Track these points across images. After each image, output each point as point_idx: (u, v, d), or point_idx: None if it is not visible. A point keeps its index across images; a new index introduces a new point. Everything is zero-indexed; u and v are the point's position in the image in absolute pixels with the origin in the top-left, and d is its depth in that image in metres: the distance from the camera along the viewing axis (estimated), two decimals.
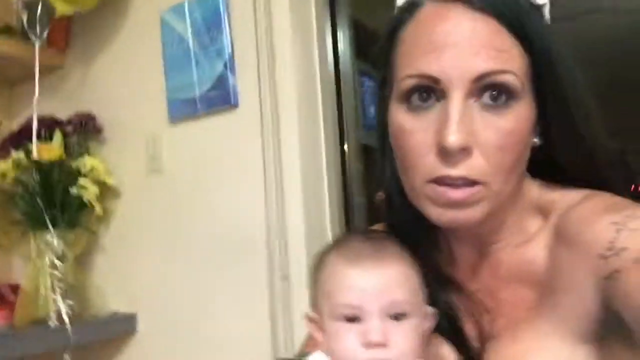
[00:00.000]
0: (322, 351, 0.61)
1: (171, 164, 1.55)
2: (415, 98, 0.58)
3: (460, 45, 0.55)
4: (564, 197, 0.63)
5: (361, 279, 0.58)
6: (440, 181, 0.56)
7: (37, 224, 1.48)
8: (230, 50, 1.43)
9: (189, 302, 1.47)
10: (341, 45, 1.55)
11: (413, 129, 0.58)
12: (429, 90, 0.57)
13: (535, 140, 0.61)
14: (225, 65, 1.43)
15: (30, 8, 1.54)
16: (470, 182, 0.56)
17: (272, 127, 1.35)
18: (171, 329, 1.50)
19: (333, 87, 1.50)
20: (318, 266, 0.63)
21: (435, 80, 0.56)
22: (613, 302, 0.52)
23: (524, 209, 0.65)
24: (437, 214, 0.58)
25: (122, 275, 1.61)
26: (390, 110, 0.61)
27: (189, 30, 1.49)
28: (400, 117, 0.59)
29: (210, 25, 1.46)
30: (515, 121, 0.56)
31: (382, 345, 0.56)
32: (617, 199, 0.60)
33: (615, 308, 0.52)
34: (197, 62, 1.47)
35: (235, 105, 1.42)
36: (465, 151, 0.55)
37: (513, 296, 0.63)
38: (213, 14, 1.45)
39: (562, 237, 0.59)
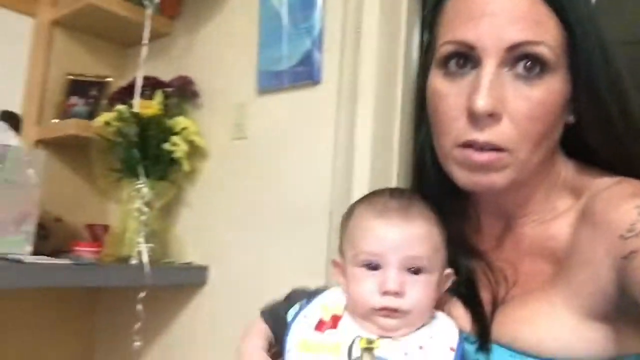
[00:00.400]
0: (342, 290, 0.65)
1: (255, 132, 1.64)
2: (452, 64, 0.61)
3: (498, 15, 0.57)
4: (597, 181, 0.64)
5: (385, 230, 0.61)
6: (467, 145, 0.59)
7: (131, 172, 1.63)
8: (319, 29, 1.49)
9: (255, 261, 1.57)
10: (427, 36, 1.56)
11: (448, 93, 0.61)
12: (466, 57, 0.60)
13: (570, 118, 0.63)
14: (313, 43, 1.49)
15: None
16: (497, 148, 0.58)
17: (349, 106, 1.40)
18: (238, 284, 1.61)
19: (414, 75, 1.51)
20: (347, 216, 0.67)
21: (471, 47, 0.58)
22: (628, 282, 0.53)
23: (555, 187, 0.66)
24: (463, 177, 0.61)
25: (200, 229, 1.74)
26: (429, 75, 0.65)
27: (285, 6, 1.57)
28: (438, 81, 0.62)
29: (305, 3, 1.53)
30: (547, 93, 0.58)
31: (397, 294, 0.59)
32: None
33: (629, 289, 0.53)
34: (288, 38, 1.55)
35: (317, 82, 1.49)
36: (493, 117, 0.57)
37: (531, 269, 0.65)
38: None
39: (587, 217, 0.60)
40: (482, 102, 0.56)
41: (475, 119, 0.57)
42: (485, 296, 0.68)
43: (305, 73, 1.51)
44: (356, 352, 0.58)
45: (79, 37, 1.97)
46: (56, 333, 1.88)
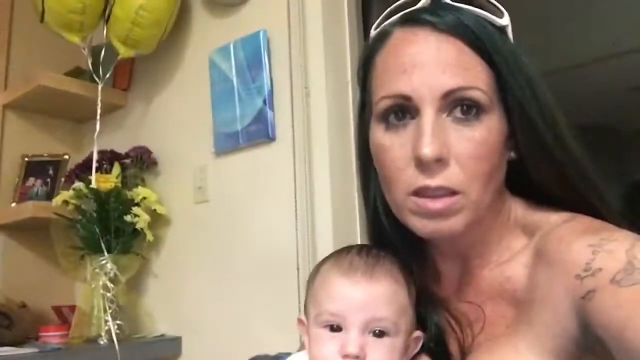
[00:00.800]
0: (306, 353, 0.64)
1: (216, 194, 1.64)
2: (392, 118, 0.62)
3: (428, 65, 0.59)
4: (547, 218, 0.64)
5: (349, 289, 0.60)
6: (420, 193, 0.59)
7: (93, 248, 1.60)
8: (269, 88, 1.51)
9: (229, 325, 1.54)
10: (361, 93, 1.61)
11: (392, 145, 0.61)
12: (404, 109, 0.61)
13: (512, 154, 0.64)
14: (264, 102, 1.51)
15: (96, 52, 1.71)
16: (450, 193, 0.58)
17: (305, 159, 1.42)
18: (213, 351, 1.57)
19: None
20: (313, 274, 0.66)
21: (408, 98, 0.60)
22: (589, 321, 0.53)
23: (507, 227, 0.67)
24: (420, 226, 0.61)
25: (169, 299, 1.70)
26: (370, 131, 0.65)
27: (234, 69, 1.59)
28: (380, 135, 0.63)
29: (252, 64, 1.55)
30: (487, 132, 0.59)
31: (357, 358, 0.58)
32: (597, 222, 0.61)
33: (592, 328, 0.52)
34: (239, 99, 1.57)
35: (272, 139, 1.50)
36: (441, 162, 0.58)
37: (493, 313, 0.64)
38: (255, 54, 1.55)
39: (541, 256, 0.61)
40: (428, 149, 0.57)
41: (423, 166, 0.58)
42: (454, 346, 0.67)
43: (259, 131, 1.52)
44: None
45: (31, 118, 1.96)
46: None
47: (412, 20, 0.62)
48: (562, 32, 2.85)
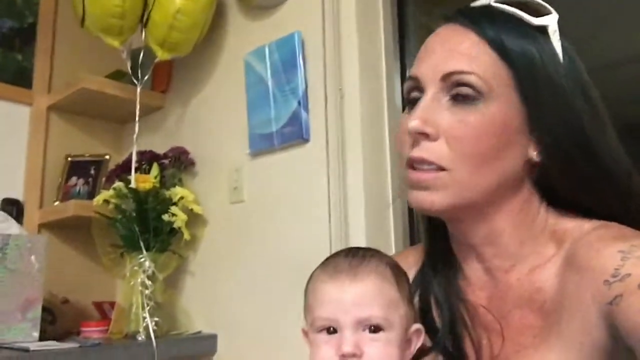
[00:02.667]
0: None
1: (251, 194, 1.66)
2: (413, 97, 0.67)
3: (437, 51, 0.65)
4: (578, 227, 0.64)
5: (336, 292, 0.62)
6: (410, 165, 0.63)
7: (132, 246, 1.64)
8: (304, 89, 1.53)
9: (263, 323, 1.56)
10: None
11: (403, 120, 0.67)
12: (418, 90, 0.66)
13: (533, 154, 0.64)
14: (299, 103, 1.52)
15: (135, 55, 1.75)
16: (436, 168, 0.62)
17: (339, 159, 1.42)
18: (248, 350, 1.59)
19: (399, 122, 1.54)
20: (308, 281, 0.68)
21: (416, 80, 0.65)
22: (616, 327, 0.52)
23: (536, 233, 0.66)
24: (409, 197, 0.65)
25: (206, 297, 1.73)
26: None
27: (268, 71, 1.61)
28: (403, 115, 0.69)
29: (287, 66, 1.57)
30: (482, 117, 0.61)
31: (354, 355, 0.59)
32: (628, 230, 0.61)
33: (619, 334, 0.52)
34: (274, 100, 1.59)
35: (307, 140, 1.51)
36: (427, 137, 0.62)
37: (521, 321, 0.64)
38: (289, 55, 1.56)
39: (571, 264, 0.60)
40: (414, 122, 0.62)
41: (413, 139, 0.62)
42: (471, 351, 0.67)
43: (294, 133, 1.53)
44: None
45: (74, 120, 2.03)
46: None
47: (448, 18, 0.68)
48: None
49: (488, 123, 0.61)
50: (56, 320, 1.66)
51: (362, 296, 0.62)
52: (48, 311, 1.63)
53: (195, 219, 1.74)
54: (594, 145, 0.63)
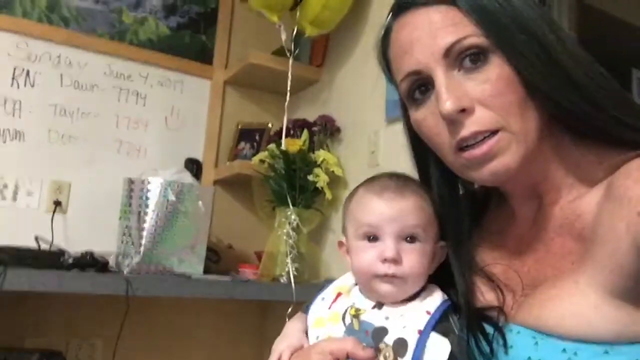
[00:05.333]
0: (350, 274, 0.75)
1: (386, 159, 1.77)
2: (417, 94, 0.68)
3: (421, 37, 0.65)
4: (622, 155, 0.63)
5: (383, 205, 0.69)
6: (463, 147, 0.64)
7: (281, 201, 1.86)
8: None
9: None
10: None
11: (425, 117, 0.68)
12: (422, 83, 0.67)
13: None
14: None
15: (290, 32, 1.96)
16: (490, 134, 0.62)
17: None
18: None
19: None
20: (350, 197, 0.76)
21: (417, 72, 0.66)
22: None
23: (580, 168, 0.68)
24: (478, 176, 0.66)
25: None
26: (410, 118, 0.72)
27: None
28: (415, 114, 0.70)
29: None
30: (499, 69, 0.62)
31: (395, 261, 0.67)
32: None
33: None
34: None
35: None
36: (465, 112, 0.62)
37: (562, 249, 0.67)
38: None
39: (609, 192, 0.61)
40: (447, 103, 0.62)
41: (451, 122, 0.63)
42: (516, 277, 0.71)
43: None
44: (348, 319, 0.68)
45: (245, 92, 2.33)
46: (233, 338, 2.18)
47: (403, 7, 0.69)
48: None
49: (506, 72, 0.62)
50: (220, 260, 1.96)
51: (407, 209, 0.68)
52: (214, 252, 1.94)
53: (337, 181, 1.90)
54: (573, 67, 0.63)
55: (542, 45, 0.63)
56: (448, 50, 0.64)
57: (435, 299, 0.69)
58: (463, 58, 0.64)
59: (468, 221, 0.76)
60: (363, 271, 0.69)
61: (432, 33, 0.64)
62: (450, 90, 0.63)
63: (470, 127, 0.62)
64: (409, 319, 0.65)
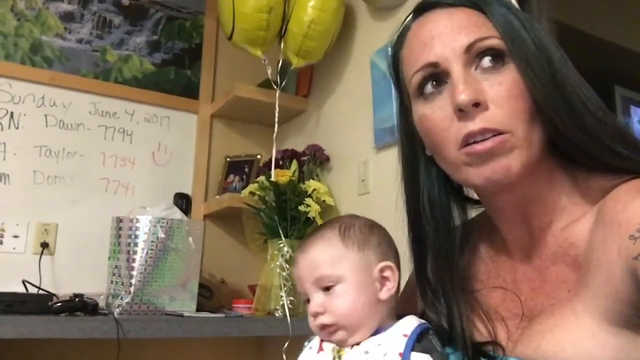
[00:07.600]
0: None
1: (376, 186, 1.76)
2: (428, 87, 0.67)
3: (445, 32, 0.65)
4: (611, 181, 0.63)
5: (297, 261, 0.76)
6: (468, 142, 0.62)
7: (273, 233, 1.84)
8: None
9: None
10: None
11: (433, 111, 0.66)
12: (436, 77, 0.66)
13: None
14: None
15: (275, 64, 1.96)
16: (497, 133, 0.61)
17: None
18: None
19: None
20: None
21: (435, 65, 0.65)
22: None
23: (571, 190, 0.67)
24: (477, 174, 0.63)
25: None
26: (412, 114, 0.70)
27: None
28: (420, 109, 0.68)
29: None
30: (514, 73, 0.63)
31: (319, 314, 0.71)
32: None
33: None
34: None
35: None
36: (479, 106, 0.61)
37: (557, 277, 0.66)
38: None
39: (599, 218, 0.61)
40: (463, 95, 0.61)
41: (463, 113, 0.62)
42: (514, 308, 0.69)
43: None
44: None
45: (232, 124, 2.33)
46: None
47: (423, 8, 0.70)
48: None
49: (521, 78, 0.62)
50: (213, 296, 1.93)
51: (311, 263, 0.73)
52: (206, 288, 1.90)
53: (328, 210, 1.89)
54: (577, 94, 0.64)
55: (550, 65, 0.64)
56: (469, 47, 0.64)
57: (412, 323, 0.70)
58: (482, 57, 0.64)
59: (460, 231, 0.76)
60: (311, 328, 0.74)
61: (455, 30, 0.65)
62: (468, 83, 0.62)
63: (479, 122, 0.61)
64: (388, 346, 0.66)
